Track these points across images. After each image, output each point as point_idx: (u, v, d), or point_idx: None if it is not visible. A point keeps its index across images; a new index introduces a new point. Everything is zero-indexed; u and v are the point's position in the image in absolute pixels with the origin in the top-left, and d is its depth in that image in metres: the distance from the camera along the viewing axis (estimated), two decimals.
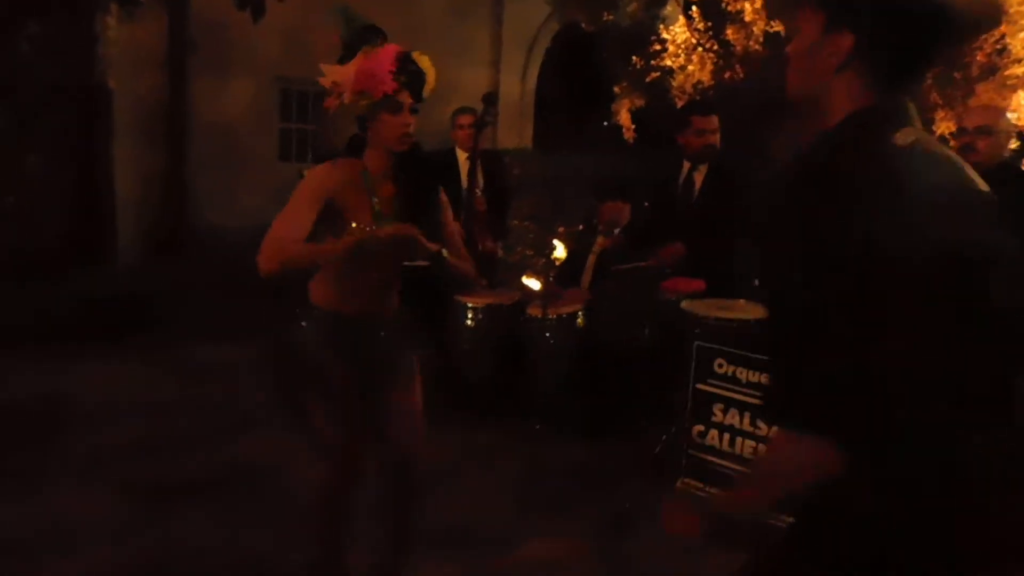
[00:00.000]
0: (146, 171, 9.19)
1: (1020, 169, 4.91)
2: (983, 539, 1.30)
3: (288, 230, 2.67)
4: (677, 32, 8.51)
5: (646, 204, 5.68)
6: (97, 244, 8.79)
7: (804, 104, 1.55)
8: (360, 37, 2.77)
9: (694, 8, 8.33)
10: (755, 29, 7.91)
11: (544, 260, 5.26)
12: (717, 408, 4.14)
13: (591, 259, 5.69)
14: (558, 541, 3.76)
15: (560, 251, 5.44)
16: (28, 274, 7.25)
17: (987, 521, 1.30)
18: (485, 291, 5.47)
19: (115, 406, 5.18)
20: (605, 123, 10.33)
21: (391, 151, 2.83)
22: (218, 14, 8.40)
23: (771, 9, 7.49)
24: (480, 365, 5.26)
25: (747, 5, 7.86)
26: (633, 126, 9.53)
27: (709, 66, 8.27)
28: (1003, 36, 6.69)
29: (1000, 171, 3.76)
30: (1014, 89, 6.88)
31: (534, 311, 5.12)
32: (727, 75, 8.18)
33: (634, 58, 8.91)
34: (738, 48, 8.06)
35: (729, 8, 7.97)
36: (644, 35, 8.92)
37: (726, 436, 4.09)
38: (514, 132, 12.60)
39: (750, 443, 4.00)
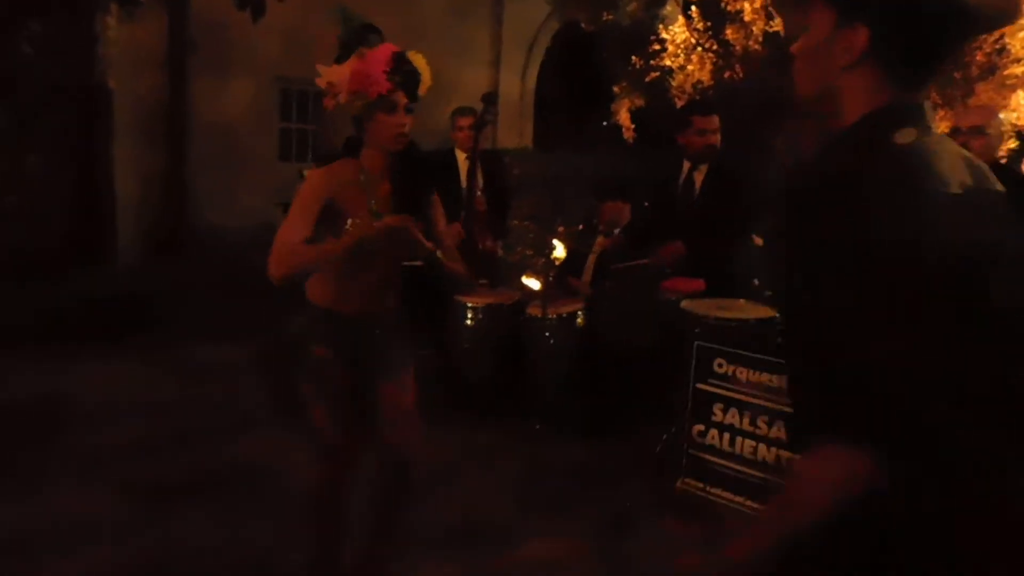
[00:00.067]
0: (146, 171, 9.19)
1: (1014, 170, 4.92)
2: (983, 539, 1.30)
3: (292, 236, 2.70)
4: (676, 32, 8.53)
5: (646, 204, 5.68)
6: (97, 244, 8.80)
7: (813, 104, 1.51)
8: (357, 37, 2.78)
9: (693, 8, 8.35)
10: (754, 29, 7.93)
11: (544, 260, 5.26)
12: (717, 408, 4.14)
13: (591, 259, 5.70)
14: (558, 541, 3.75)
15: (560, 251, 5.44)
16: (28, 274, 7.25)
17: (987, 521, 1.30)
18: (485, 291, 5.48)
19: (115, 406, 5.18)
20: (605, 123, 10.35)
21: (387, 150, 2.85)
22: (218, 14, 8.40)
23: (777, 6, 7.48)
24: (480, 365, 5.26)
25: (746, 5, 7.88)
26: (633, 126, 9.55)
27: (708, 66, 8.29)
28: (1002, 36, 6.71)
29: (994, 171, 3.76)
30: (1013, 89, 6.90)
31: (534, 311, 5.13)
32: (726, 75, 8.20)
33: (633, 58, 8.93)
34: (737, 48, 8.08)
35: (728, 8, 7.99)
36: (643, 35, 8.94)
37: (726, 436, 4.09)
38: (514, 132, 12.62)
39: (750, 443, 4.00)
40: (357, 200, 2.81)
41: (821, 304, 1.28)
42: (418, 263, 3.02)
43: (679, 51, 8.43)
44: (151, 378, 5.79)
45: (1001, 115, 4.56)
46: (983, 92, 6.88)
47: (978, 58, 6.91)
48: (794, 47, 1.52)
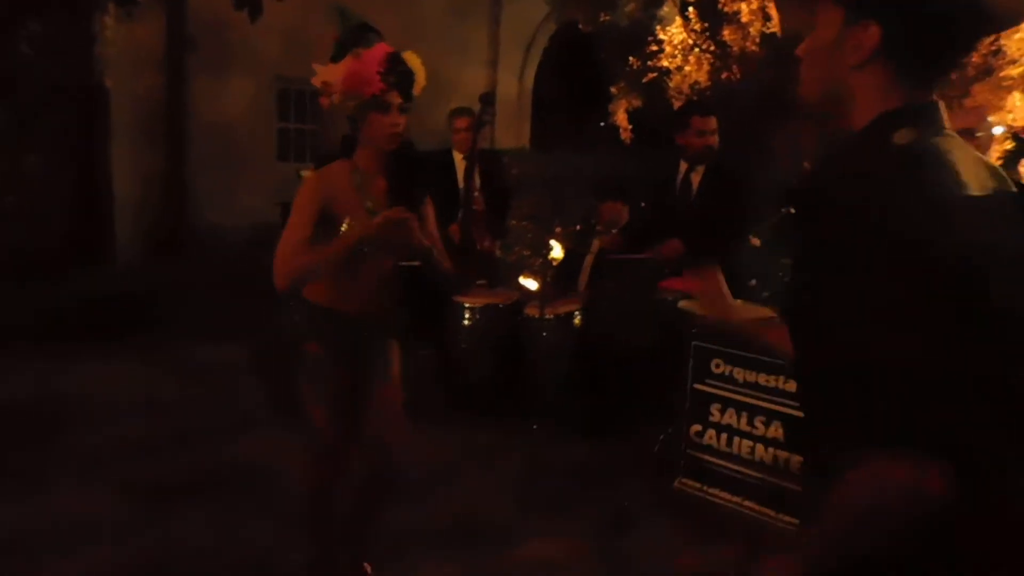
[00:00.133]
0: (145, 171, 9.20)
1: (1009, 172, 4.93)
2: (983, 539, 1.28)
3: (292, 245, 2.74)
4: (674, 33, 8.52)
5: (643, 205, 5.70)
6: (97, 244, 8.81)
7: (819, 106, 1.49)
8: (354, 37, 2.80)
9: (691, 9, 8.35)
10: (752, 30, 7.93)
11: (542, 260, 5.27)
12: (715, 408, 4.15)
13: (588, 259, 5.71)
14: (558, 541, 3.76)
15: (557, 251, 5.45)
16: (28, 274, 7.26)
17: (987, 521, 1.29)
18: (483, 291, 5.49)
19: (115, 406, 5.19)
20: (602, 123, 10.35)
21: (382, 149, 2.86)
22: (217, 13, 8.41)
23: (782, 5, 7.48)
24: (478, 365, 5.27)
25: (743, 6, 7.88)
26: (630, 126, 9.56)
27: (706, 67, 8.29)
28: (998, 38, 6.71)
29: None
30: (1009, 90, 6.90)
31: (531, 311, 5.14)
32: (724, 76, 8.20)
33: (631, 59, 8.93)
34: (735, 49, 8.08)
35: (726, 9, 7.99)
36: (641, 35, 8.95)
37: (724, 436, 4.11)
38: (512, 132, 12.62)
39: (747, 443, 4.02)
40: (353, 200, 2.84)
41: (842, 310, 1.25)
42: (415, 263, 3.04)
43: (676, 52, 8.43)
44: (151, 378, 5.80)
45: (991, 118, 4.58)
46: (979, 93, 6.87)
47: (974, 59, 6.92)
48: (800, 49, 1.50)
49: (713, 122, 5.03)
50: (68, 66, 8.42)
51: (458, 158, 5.83)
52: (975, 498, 1.19)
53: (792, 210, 4.36)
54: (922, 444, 1.16)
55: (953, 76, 7.04)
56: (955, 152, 1.31)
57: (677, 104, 8.09)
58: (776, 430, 3.92)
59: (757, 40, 7.91)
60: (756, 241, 4.90)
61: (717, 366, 4.16)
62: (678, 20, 8.56)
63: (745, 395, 4.05)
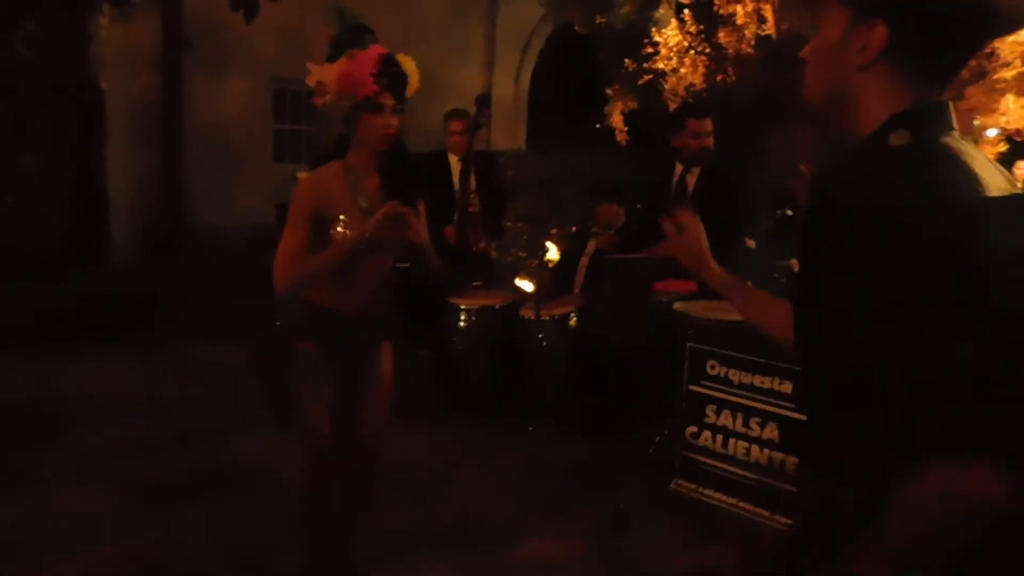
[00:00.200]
0: (141, 171, 9.21)
1: None
2: (983, 539, 1.27)
3: (290, 251, 2.77)
4: (669, 35, 8.55)
5: (639, 206, 5.71)
6: (94, 244, 8.81)
7: (823, 108, 1.46)
8: (350, 37, 2.81)
9: (686, 11, 8.37)
10: (747, 32, 7.97)
11: (537, 262, 5.29)
12: (710, 409, 4.17)
13: (584, 261, 5.72)
14: (557, 541, 3.77)
15: (553, 253, 5.47)
16: (26, 274, 7.27)
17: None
18: (479, 293, 5.51)
19: (114, 406, 5.20)
20: (598, 125, 10.37)
21: (375, 149, 2.89)
22: (213, 14, 8.41)
23: (786, 7, 7.50)
24: (475, 367, 5.28)
25: (739, 8, 7.92)
26: (626, 128, 9.58)
27: (701, 69, 8.33)
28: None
29: None
30: (1003, 93, 6.93)
31: (527, 312, 5.16)
32: (719, 78, 8.23)
33: (627, 61, 8.96)
34: (730, 51, 8.12)
35: (721, 11, 8.02)
36: (637, 38, 8.97)
37: (719, 437, 4.13)
38: (508, 134, 12.63)
39: (743, 444, 4.04)
40: (347, 200, 2.86)
41: (863, 313, 1.21)
42: (405, 264, 3.06)
43: (672, 54, 8.46)
44: (150, 378, 5.81)
45: (983, 120, 4.61)
46: (973, 96, 6.90)
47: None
48: (804, 51, 1.48)
49: (708, 124, 5.06)
50: (64, 66, 8.43)
51: (453, 160, 5.84)
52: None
53: (789, 212, 4.38)
54: (986, 450, 1.11)
55: None
56: (958, 152, 1.29)
57: (673, 106, 8.10)
58: (771, 431, 3.94)
59: (752, 42, 7.95)
60: (752, 243, 4.92)
61: (712, 368, 4.18)
62: (674, 22, 8.59)
63: (740, 396, 4.06)
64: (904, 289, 1.17)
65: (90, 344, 6.18)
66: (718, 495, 4.08)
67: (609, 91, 9.68)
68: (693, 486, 4.18)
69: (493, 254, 6.34)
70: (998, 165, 1.37)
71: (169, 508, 3.91)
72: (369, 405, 3.09)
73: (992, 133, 6.54)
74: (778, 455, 3.92)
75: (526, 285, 5.51)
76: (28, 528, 3.68)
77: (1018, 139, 6.54)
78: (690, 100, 8.03)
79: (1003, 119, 6.77)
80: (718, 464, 4.12)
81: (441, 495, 4.18)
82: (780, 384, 3.89)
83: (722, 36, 8.07)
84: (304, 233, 2.79)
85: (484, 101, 5.41)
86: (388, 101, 2.80)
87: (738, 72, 8.10)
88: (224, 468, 4.35)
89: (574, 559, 3.65)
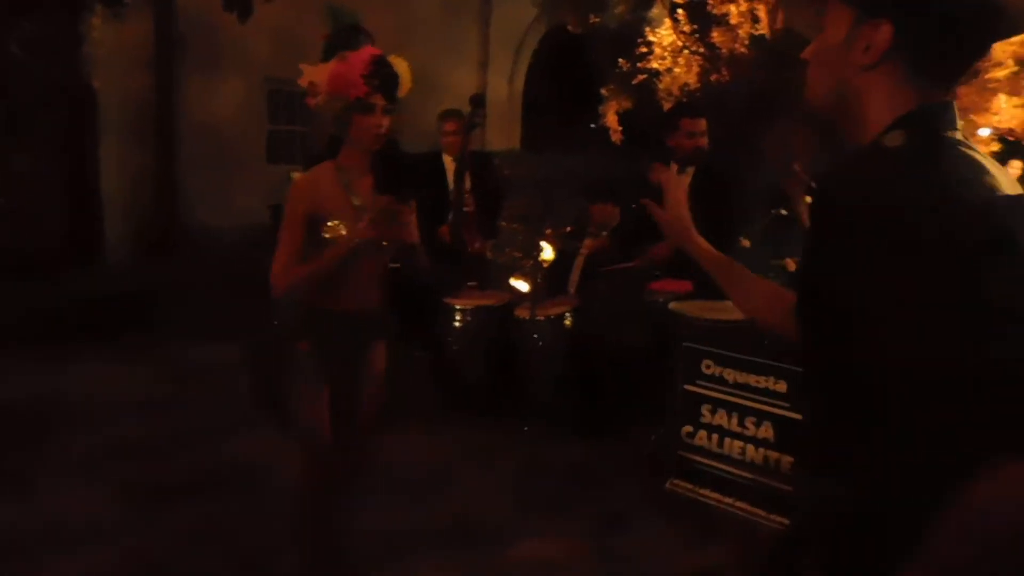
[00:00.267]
0: (135, 171, 9.19)
1: None
2: None
3: (287, 255, 2.79)
4: (663, 35, 8.55)
5: (634, 206, 5.72)
6: (89, 244, 8.80)
7: (825, 109, 1.45)
8: (342, 38, 2.83)
9: (680, 11, 8.38)
10: (741, 32, 7.96)
11: (532, 262, 5.30)
12: (705, 409, 4.20)
13: (579, 261, 5.74)
14: (556, 541, 3.78)
15: (548, 253, 5.48)
16: (21, 274, 7.27)
17: None
18: (474, 293, 5.52)
19: (112, 406, 5.21)
20: (592, 125, 10.37)
21: (367, 150, 2.90)
22: (206, 14, 8.42)
23: (788, 7, 7.49)
24: (470, 367, 5.30)
25: (733, 8, 7.92)
26: (621, 128, 9.58)
27: (695, 68, 8.32)
28: None
29: None
30: (995, 92, 6.95)
31: (522, 312, 5.17)
32: (713, 78, 8.24)
33: (620, 60, 8.96)
34: (724, 51, 8.11)
35: (715, 11, 8.03)
36: (631, 37, 8.96)
37: (715, 437, 4.15)
38: (502, 134, 12.64)
39: (738, 443, 4.07)
40: (340, 199, 2.87)
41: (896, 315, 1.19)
42: (396, 265, 3.07)
43: (666, 54, 8.46)
44: (148, 377, 5.82)
45: (974, 118, 4.62)
46: (965, 96, 6.91)
47: None
48: (807, 51, 1.47)
49: (703, 124, 5.08)
50: (57, 66, 8.42)
51: (448, 160, 5.85)
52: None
53: (783, 212, 4.40)
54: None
55: None
56: (962, 152, 1.27)
57: (667, 106, 8.11)
58: (767, 431, 3.97)
59: (746, 42, 7.95)
60: (746, 243, 4.95)
61: (707, 367, 4.20)
62: (667, 22, 8.59)
63: (736, 396, 4.09)
64: (907, 289, 1.17)
65: (87, 344, 6.18)
66: (714, 495, 4.10)
67: (603, 91, 9.67)
68: (689, 486, 4.20)
69: (488, 254, 6.35)
70: (994, 163, 1.35)
71: (168, 508, 3.92)
72: (364, 404, 3.11)
73: (984, 133, 6.56)
74: (773, 454, 3.94)
75: (521, 285, 5.52)
76: (28, 528, 3.69)
77: (1011, 139, 6.56)
78: (684, 100, 8.03)
79: (995, 119, 6.80)
80: (714, 464, 4.15)
81: (440, 495, 4.19)
82: (775, 383, 3.92)
83: (716, 36, 8.07)
84: (300, 234, 2.80)
85: (478, 101, 5.40)
86: (379, 102, 2.81)
87: (732, 72, 8.10)
88: (223, 468, 4.36)
89: (572, 559, 3.66)
